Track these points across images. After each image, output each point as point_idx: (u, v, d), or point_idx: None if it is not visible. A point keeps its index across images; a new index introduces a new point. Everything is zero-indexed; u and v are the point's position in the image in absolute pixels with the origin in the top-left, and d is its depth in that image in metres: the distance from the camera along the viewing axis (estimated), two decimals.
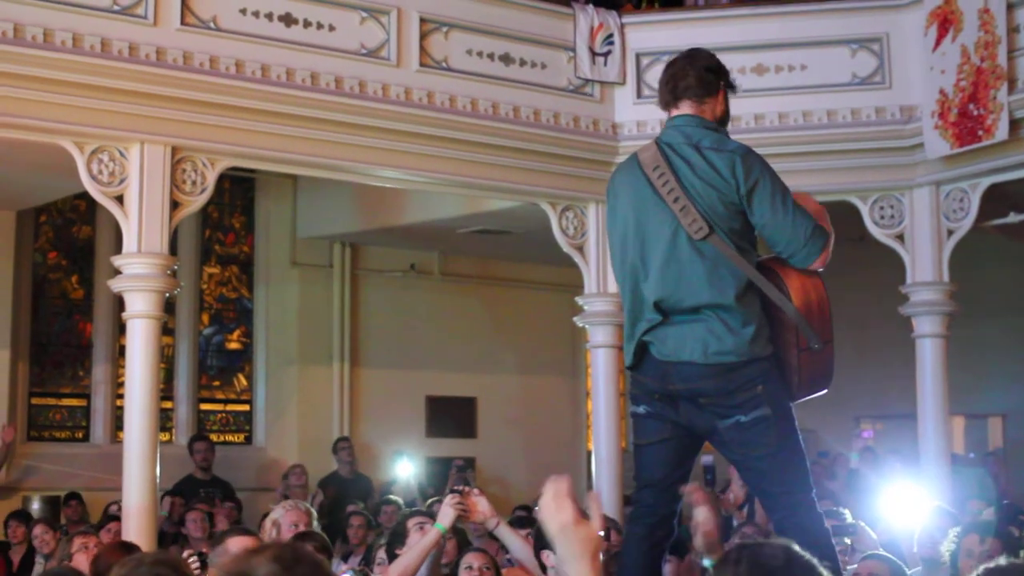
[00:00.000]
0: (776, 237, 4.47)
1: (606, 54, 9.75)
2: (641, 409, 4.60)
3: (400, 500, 9.81)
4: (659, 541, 4.55)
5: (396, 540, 5.95)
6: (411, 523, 5.94)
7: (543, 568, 5.45)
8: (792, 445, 4.47)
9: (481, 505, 5.77)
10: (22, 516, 9.74)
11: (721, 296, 4.40)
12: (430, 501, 8.29)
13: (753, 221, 4.46)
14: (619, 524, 6.91)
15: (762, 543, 2.98)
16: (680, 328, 4.46)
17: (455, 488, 5.87)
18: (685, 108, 4.64)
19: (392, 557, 5.88)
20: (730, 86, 4.72)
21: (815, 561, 2.91)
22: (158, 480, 7.89)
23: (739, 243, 4.45)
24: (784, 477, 4.44)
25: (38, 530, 8.76)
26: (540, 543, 5.40)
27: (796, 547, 2.96)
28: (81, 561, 6.00)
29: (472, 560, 5.48)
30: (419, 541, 5.60)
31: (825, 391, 4.59)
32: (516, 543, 5.77)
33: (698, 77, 4.64)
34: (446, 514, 5.62)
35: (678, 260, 4.46)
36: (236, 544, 5.17)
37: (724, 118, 4.70)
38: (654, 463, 4.57)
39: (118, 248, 8.18)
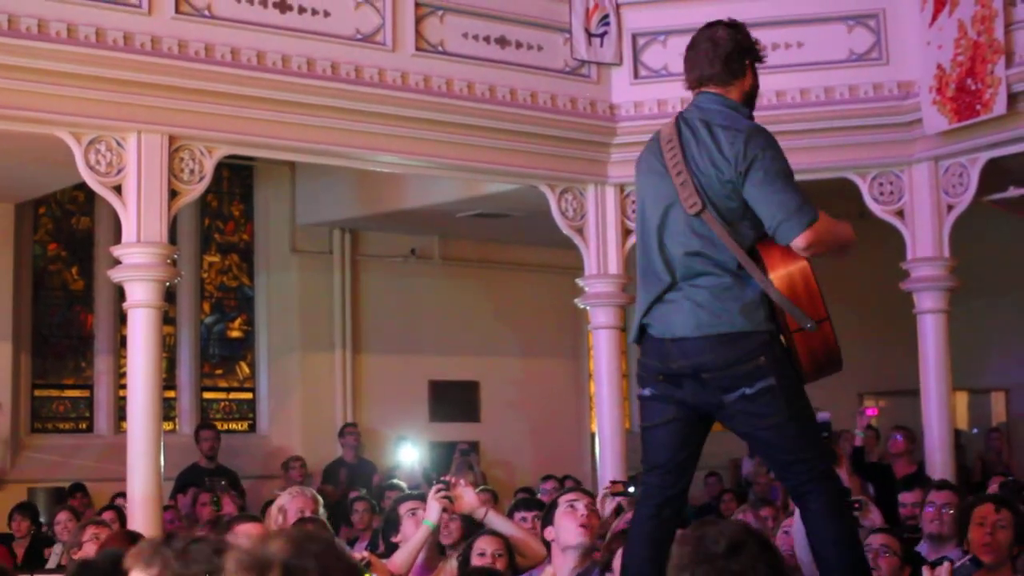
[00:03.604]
0: (762, 209, 4.39)
1: (602, 35, 9.73)
2: (647, 391, 4.60)
3: (404, 485, 9.81)
4: (665, 520, 4.55)
5: (389, 527, 5.92)
6: (403, 509, 5.90)
7: (547, 545, 5.45)
8: (800, 414, 4.46)
9: (467, 496, 5.75)
10: (26, 509, 9.73)
11: (710, 271, 4.40)
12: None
13: (744, 195, 4.40)
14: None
15: (711, 523, 2.94)
16: (672, 306, 4.47)
17: (440, 479, 5.83)
18: (711, 88, 4.62)
19: (387, 543, 5.86)
20: (757, 59, 4.66)
21: (768, 544, 2.86)
22: (162, 469, 7.90)
23: (733, 223, 4.41)
24: (795, 445, 4.44)
25: (62, 516, 8.76)
26: (546, 520, 5.41)
27: (750, 529, 2.93)
28: (90, 550, 6.00)
29: (485, 546, 5.46)
30: (411, 540, 5.58)
31: (839, 370, 4.56)
32: (508, 528, 5.77)
33: (725, 65, 4.59)
34: (432, 508, 5.60)
35: (673, 233, 4.47)
36: (242, 531, 5.18)
37: (753, 92, 4.66)
38: (660, 445, 4.57)
39: (117, 238, 8.18)
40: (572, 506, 5.30)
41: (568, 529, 5.26)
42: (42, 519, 9.82)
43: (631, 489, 6.02)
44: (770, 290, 4.39)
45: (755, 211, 4.42)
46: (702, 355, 4.41)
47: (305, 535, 2.24)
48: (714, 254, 4.42)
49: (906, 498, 7.45)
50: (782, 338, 4.46)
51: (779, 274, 4.41)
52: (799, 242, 4.37)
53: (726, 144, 4.42)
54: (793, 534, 5.65)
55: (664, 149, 4.53)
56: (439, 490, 5.64)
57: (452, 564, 5.72)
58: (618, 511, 6.46)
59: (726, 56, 4.59)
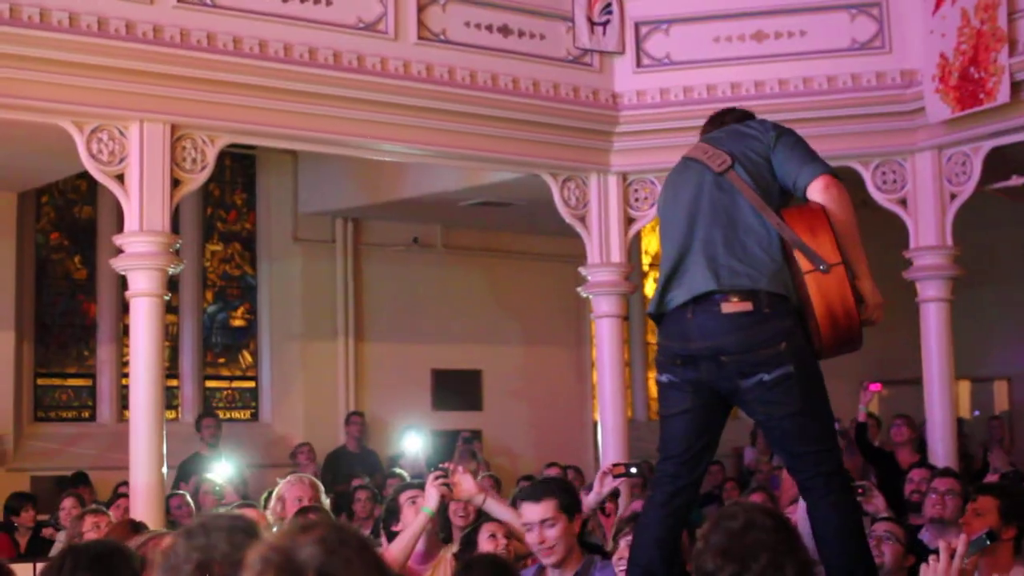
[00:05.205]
0: (783, 168, 4.56)
1: (605, 23, 9.71)
2: (664, 378, 4.59)
3: (405, 474, 9.81)
4: (677, 509, 4.55)
5: (390, 516, 5.91)
6: (403, 498, 5.89)
7: None
8: (817, 404, 4.43)
9: (465, 483, 5.73)
10: (27, 498, 9.71)
11: (735, 224, 4.44)
12: None
13: (774, 166, 4.57)
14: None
15: (736, 502, 3.02)
16: (689, 270, 4.49)
17: (438, 466, 5.81)
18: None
19: (388, 532, 5.85)
20: None
21: (785, 522, 2.94)
22: (164, 458, 7.91)
23: (760, 185, 4.52)
24: (809, 436, 4.42)
25: (67, 503, 8.75)
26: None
27: (769, 510, 3.03)
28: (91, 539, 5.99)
29: (495, 528, 5.47)
30: (409, 527, 5.57)
31: (858, 347, 4.51)
32: (507, 515, 5.76)
33: (742, 113, 4.95)
34: (431, 495, 5.57)
35: (701, 199, 4.55)
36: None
37: None
38: (675, 435, 4.56)
39: (120, 227, 8.18)
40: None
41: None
42: (39, 507, 9.80)
43: (632, 470, 6.01)
44: (784, 231, 4.40)
45: (778, 175, 4.57)
46: (723, 337, 4.39)
47: (339, 537, 2.16)
48: (737, 213, 4.48)
49: (915, 474, 7.46)
50: (798, 309, 4.45)
51: (796, 222, 4.47)
52: (817, 183, 4.49)
53: (753, 127, 4.69)
54: (798, 523, 5.64)
55: (692, 154, 4.72)
56: (437, 477, 5.63)
57: (452, 552, 5.72)
58: (616, 495, 6.45)
59: (741, 112, 4.98)
